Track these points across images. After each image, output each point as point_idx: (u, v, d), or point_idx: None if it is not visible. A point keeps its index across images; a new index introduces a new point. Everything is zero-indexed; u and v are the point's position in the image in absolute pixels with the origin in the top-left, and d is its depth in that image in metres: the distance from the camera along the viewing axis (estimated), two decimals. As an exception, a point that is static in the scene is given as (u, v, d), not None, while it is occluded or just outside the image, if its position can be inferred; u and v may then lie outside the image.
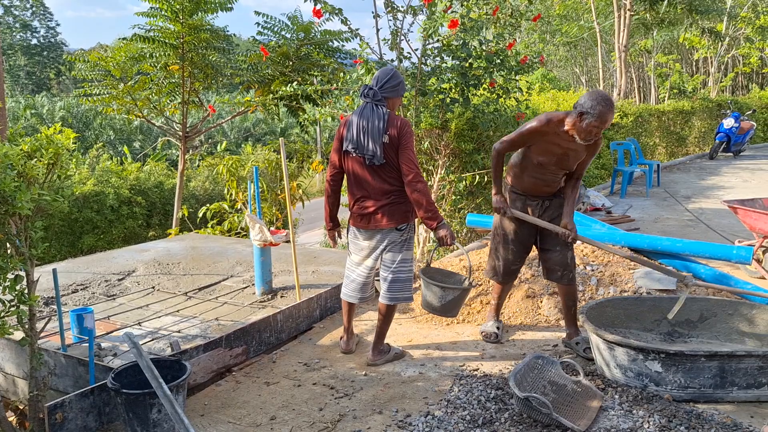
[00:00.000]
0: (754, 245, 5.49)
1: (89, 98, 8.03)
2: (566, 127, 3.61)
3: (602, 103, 3.47)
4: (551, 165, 3.79)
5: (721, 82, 21.97)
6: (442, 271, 4.15)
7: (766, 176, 11.82)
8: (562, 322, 4.41)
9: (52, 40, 50.17)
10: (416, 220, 3.93)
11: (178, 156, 10.63)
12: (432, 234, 6.80)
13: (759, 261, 5.53)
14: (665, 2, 15.09)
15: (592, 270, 4.91)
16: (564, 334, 4.14)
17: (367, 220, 3.73)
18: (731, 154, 14.58)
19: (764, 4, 19.54)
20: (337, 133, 3.78)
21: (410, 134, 3.62)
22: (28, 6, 47.83)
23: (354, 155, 3.67)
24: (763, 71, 25.14)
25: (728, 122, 13.89)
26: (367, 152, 3.59)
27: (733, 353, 3.22)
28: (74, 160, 11.48)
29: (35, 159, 3.14)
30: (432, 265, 4.35)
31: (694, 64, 25.01)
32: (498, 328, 4.24)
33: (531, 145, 3.79)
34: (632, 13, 15.15)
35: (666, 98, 20.64)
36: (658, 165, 11.17)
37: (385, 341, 3.96)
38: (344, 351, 4.10)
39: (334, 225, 4.02)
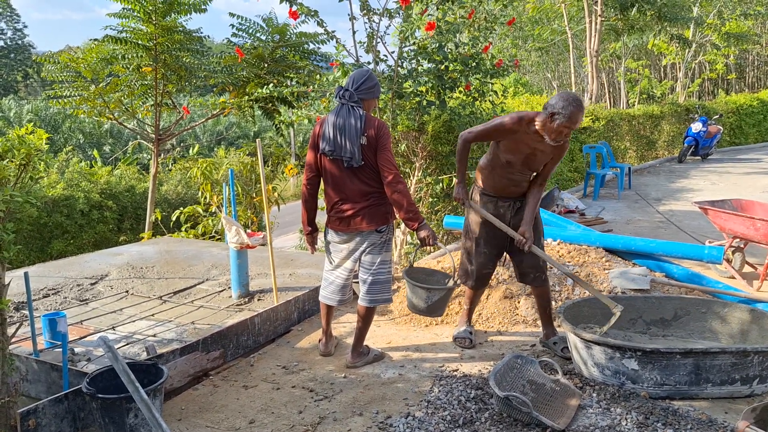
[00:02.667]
0: (724, 245, 5.60)
1: (59, 100, 7.88)
2: (536, 127, 3.64)
3: (573, 104, 3.50)
4: (518, 164, 3.82)
5: (688, 87, 22.41)
6: (425, 270, 4.15)
7: (733, 179, 12.08)
8: (540, 323, 4.44)
9: (19, 42, 49.15)
10: (394, 221, 3.91)
11: (149, 160, 10.50)
12: (409, 236, 6.83)
13: (729, 261, 5.65)
14: (635, 9, 15.34)
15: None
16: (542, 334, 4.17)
17: (347, 223, 3.70)
18: (699, 157, 14.87)
19: (729, 11, 19.99)
20: (313, 133, 3.75)
21: (388, 135, 3.62)
22: (-6, 8, 46.87)
23: (331, 158, 3.65)
24: (729, 77, 25.72)
25: (696, 126, 14.17)
26: (344, 154, 3.57)
27: (708, 350, 3.27)
28: (43, 163, 11.24)
29: (6, 160, 3.07)
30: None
31: (662, 69, 25.48)
32: (470, 333, 4.24)
33: (500, 142, 3.80)
34: (603, 18, 15.38)
35: (636, 103, 20.99)
36: (629, 168, 11.34)
37: (364, 343, 3.95)
38: (323, 354, 4.07)
39: (312, 229, 3.98)
